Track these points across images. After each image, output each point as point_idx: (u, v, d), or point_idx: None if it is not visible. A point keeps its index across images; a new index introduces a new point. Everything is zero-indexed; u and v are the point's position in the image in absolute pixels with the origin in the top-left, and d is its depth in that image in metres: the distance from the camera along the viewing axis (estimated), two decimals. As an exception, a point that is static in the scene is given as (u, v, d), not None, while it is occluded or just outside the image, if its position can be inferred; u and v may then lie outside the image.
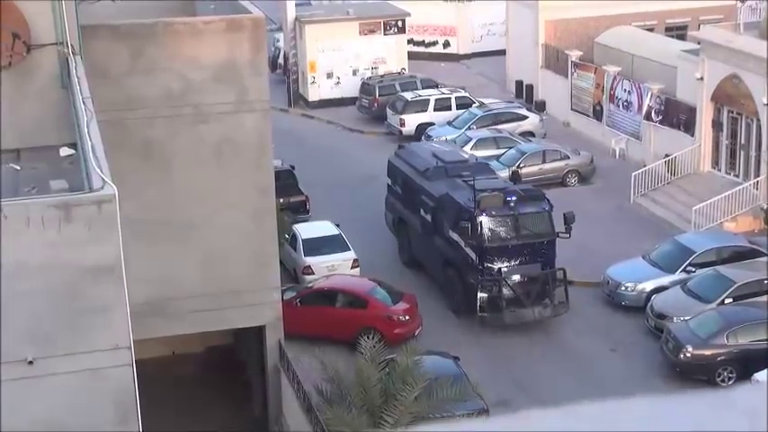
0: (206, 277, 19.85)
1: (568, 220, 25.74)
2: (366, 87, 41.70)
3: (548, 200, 25.80)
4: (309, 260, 26.78)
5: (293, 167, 32.02)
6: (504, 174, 30.68)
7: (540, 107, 40.89)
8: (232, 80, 19.19)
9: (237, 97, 19.28)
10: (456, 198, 25.80)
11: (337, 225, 28.10)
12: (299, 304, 24.50)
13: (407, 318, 24.20)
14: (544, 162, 33.79)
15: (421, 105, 39.12)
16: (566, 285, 25.28)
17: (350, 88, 43.00)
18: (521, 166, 33.06)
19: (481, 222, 24.80)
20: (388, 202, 29.97)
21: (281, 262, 22.15)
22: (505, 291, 24.82)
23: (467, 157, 29.48)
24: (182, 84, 18.99)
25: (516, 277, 24.90)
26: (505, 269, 24.86)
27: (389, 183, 29.85)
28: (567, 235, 25.54)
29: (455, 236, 25.53)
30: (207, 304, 19.89)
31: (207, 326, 20.46)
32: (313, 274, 26.49)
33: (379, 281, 25.38)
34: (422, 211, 27.32)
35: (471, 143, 34.65)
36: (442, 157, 28.49)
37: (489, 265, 24.83)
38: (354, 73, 43.40)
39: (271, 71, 44.18)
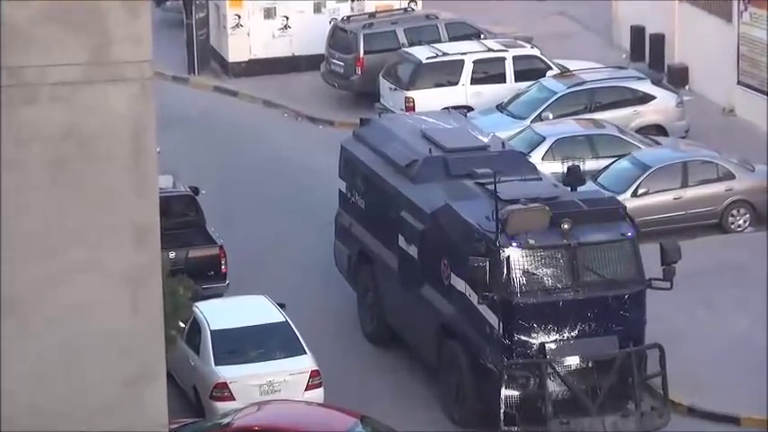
0: (33, 402, 20.19)
1: (669, 255, 26.63)
2: (340, 37, 42.29)
3: (630, 218, 26.81)
4: (225, 372, 27.12)
5: (197, 191, 32.46)
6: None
7: (677, 78, 41.40)
8: (83, 23, 19.67)
9: (93, 55, 19.75)
10: (463, 215, 26.69)
11: (281, 305, 28.46)
12: (205, 457, 24.91)
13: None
14: (686, 185, 34.27)
15: (447, 72, 39.80)
16: (664, 376, 26.11)
17: (308, 39, 43.56)
18: (640, 191, 33.52)
19: (509, 259, 25.77)
20: (339, 223, 31.01)
21: (169, 374, 22.54)
22: (553, 385, 25.70)
23: (485, 140, 30.25)
24: (-13, 28, 19.47)
25: (573, 361, 25.86)
26: (553, 345, 25.84)
27: (343, 189, 30.93)
28: (668, 284, 26.53)
29: (461, 284, 26.41)
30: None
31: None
32: (232, 399, 26.82)
33: (364, 415, 25.74)
34: (401, 238, 28.15)
35: (544, 146, 35.27)
36: (438, 141, 29.38)
37: (523, 337, 25.82)
38: (318, 9, 43.96)
39: (156, 5, 44.93)
